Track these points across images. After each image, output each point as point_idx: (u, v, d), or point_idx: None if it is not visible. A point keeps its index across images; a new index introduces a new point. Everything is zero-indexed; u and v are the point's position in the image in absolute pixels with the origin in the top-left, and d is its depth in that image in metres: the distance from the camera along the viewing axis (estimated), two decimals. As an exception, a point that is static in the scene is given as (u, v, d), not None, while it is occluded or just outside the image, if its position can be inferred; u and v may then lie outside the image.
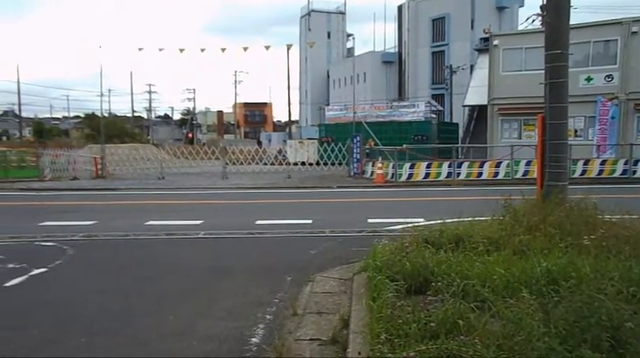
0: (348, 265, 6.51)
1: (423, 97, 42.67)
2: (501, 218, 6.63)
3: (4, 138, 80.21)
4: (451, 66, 43.33)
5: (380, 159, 20.95)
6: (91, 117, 75.43)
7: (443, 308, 3.78)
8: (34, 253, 7.97)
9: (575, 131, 24.66)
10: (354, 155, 22.98)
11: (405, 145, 22.33)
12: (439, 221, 7.01)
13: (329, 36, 67.59)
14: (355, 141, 22.97)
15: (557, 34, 7.55)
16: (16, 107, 72.37)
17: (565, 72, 7.50)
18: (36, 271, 6.74)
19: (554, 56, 7.47)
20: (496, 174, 20.03)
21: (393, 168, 20.50)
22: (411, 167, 20.41)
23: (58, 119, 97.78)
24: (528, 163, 19.55)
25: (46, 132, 70.43)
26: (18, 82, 66.59)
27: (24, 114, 76.50)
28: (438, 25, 49.69)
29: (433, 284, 4.44)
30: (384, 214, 11.58)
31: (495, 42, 26.63)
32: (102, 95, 27.01)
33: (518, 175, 19.68)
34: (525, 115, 25.16)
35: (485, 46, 29.63)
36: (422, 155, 21.66)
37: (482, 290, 4.15)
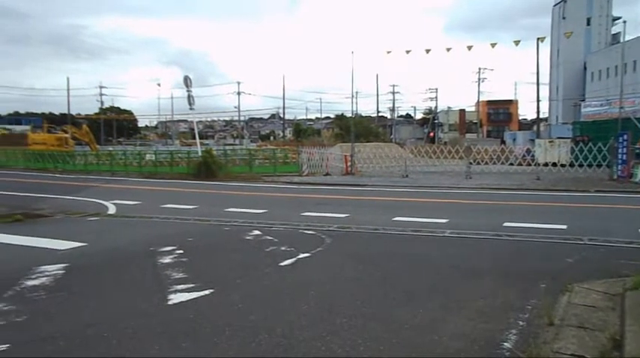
0: (616, 279, 5.80)
1: None
2: None
3: (272, 138, 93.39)
4: None
5: (654, 160, 18.12)
6: (340, 118, 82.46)
7: None
8: (299, 239, 9.07)
9: None
10: (619, 156, 20.28)
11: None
12: None
13: (588, 22, 60.40)
14: (621, 139, 20.24)
15: None
16: (280, 111, 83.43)
17: None
18: (302, 255, 7.66)
19: None
20: None
21: (670, 171, 17.51)
22: (697, 171, 17.11)
23: (311, 120, 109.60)
24: None
25: (302, 132, 79.15)
26: (283, 90, 77.05)
27: (286, 117, 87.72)
28: None
29: None
30: (660, 224, 9.97)
31: None
32: (352, 97, 29.28)
33: None
34: None
35: None
36: None
37: None
